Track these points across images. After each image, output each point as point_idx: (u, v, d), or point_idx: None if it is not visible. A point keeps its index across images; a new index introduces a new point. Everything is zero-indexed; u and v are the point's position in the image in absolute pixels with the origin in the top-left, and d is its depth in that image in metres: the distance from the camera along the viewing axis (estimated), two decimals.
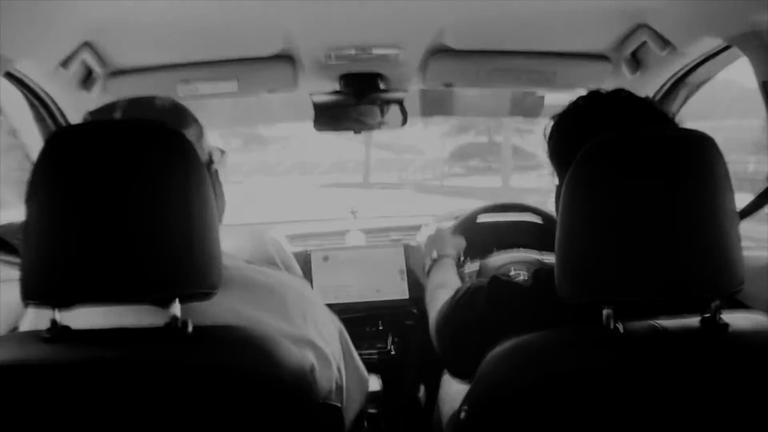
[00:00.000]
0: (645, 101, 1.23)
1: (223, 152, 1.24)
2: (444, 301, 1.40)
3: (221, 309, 1.03)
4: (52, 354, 0.93)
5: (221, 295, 1.02)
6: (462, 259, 2.38)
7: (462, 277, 1.99)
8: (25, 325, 1.11)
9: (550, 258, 2.01)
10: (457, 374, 1.33)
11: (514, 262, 2.02)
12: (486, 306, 1.22)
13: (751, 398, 0.98)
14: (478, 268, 2.13)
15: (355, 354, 1.34)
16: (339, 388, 1.22)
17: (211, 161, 1.21)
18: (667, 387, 0.96)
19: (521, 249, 2.15)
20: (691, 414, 0.97)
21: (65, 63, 1.61)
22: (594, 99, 1.25)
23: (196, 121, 1.20)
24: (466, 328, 1.26)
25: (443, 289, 1.58)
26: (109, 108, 1.14)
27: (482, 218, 2.36)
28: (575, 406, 0.96)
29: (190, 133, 1.15)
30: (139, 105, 1.15)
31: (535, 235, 2.32)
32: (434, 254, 1.94)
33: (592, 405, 0.96)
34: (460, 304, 1.32)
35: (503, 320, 1.15)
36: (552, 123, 1.28)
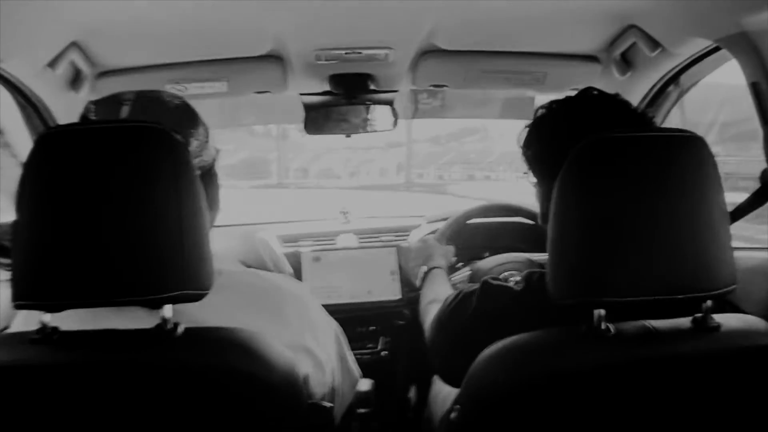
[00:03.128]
0: (621, 100, 1.23)
1: (217, 151, 1.22)
2: (436, 311, 1.39)
3: (216, 314, 1.02)
4: (40, 356, 0.92)
5: (218, 299, 1.02)
6: (454, 263, 2.38)
7: (454, 286, 1.98)
8: (16, 326, 1.10)
9: (540, 258, 2.01)
10: (450, 380, 1.32)
11: (506, 263, 2.01)
12: (477, 310, 1.22)
13: (742, 399, 0.99)
14: (468, 274, 2.12)
15: (350, 356, 1.33)
16: (332, 390, 1.22)
17: (213, 164, 1.19)
18: (658, 387, 0.96)
19: (513, 251, 2.14)
20: (682, 414, 0.98)
21: (53, 63, 1.60)
22: (572, 101, 1.25)
23: (203, 122, 1.18)
24: (458, 333, 1.26)
25: (437, 303, 1.57)
26: (115, 100, 1.11)
27: (473, 220, 2.35)
28: (566, 405, 0.97)
29: (198, 134, 1.14)
30: (147, 100, 1.12)
31: (527, 237, 2.31)
32: (424, 268, 1.94)
33: (583, 405, 0.96)
34: (451, 309, 1.31)
35: (494, 323, 1.14)
36: (529, 128, 1.27)
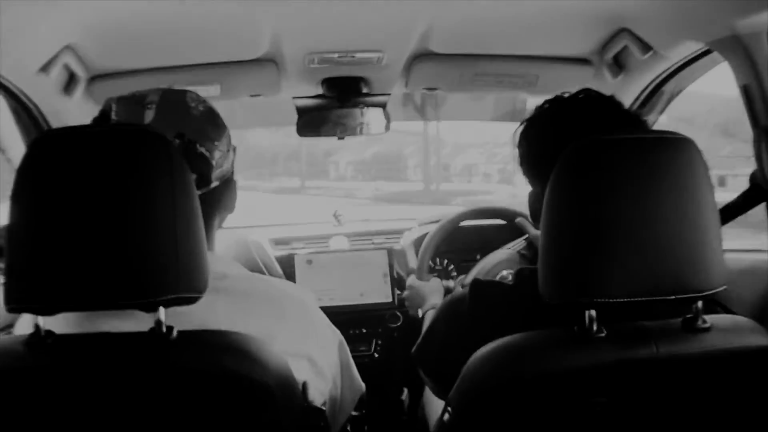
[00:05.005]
0: (613, 101, 1.23)
1: (234, 151, 1.21)
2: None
3: (220, 317, 1.02)
4: (33, 359, 0.92)
5: (223, 303, 1.03)
6: (446, 265, 2.39)
7: None
8: (20, 327, 1.10)
9: (515, 244, 2.02)
10: (443, 384, 1.29)
11: (498, 263, 2.02)
12: (470, 309, 1.21)
13: (732, 399, 0.99)
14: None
15: (352, 364, 1.33)
16: (333, 398, 1.21)
17: (232, 170, 1.19)
18: (649, 388, 0.97)
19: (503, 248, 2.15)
20: (673, 415, 0.98)
21: (46, 67, 1.59)
22: (564, 102, 1.25)
23: (226, 128, 1.17)
24: (451, 336, 1.25)
25: None
26: (139, 102, 1.10)
27: (464, 223, 2.36)
28: (557, 406, 0.97)
29: (222, 144, 1.14)
30: (172, 105, 1.11)
31: (507, 235, 2.31)
32: (420, 313, 1.94)
33: (575, 406, 0.97)
34: (442, 315, 1.31)
35: (488, 320, 1.14)
36: (522, 129, 1.27)
